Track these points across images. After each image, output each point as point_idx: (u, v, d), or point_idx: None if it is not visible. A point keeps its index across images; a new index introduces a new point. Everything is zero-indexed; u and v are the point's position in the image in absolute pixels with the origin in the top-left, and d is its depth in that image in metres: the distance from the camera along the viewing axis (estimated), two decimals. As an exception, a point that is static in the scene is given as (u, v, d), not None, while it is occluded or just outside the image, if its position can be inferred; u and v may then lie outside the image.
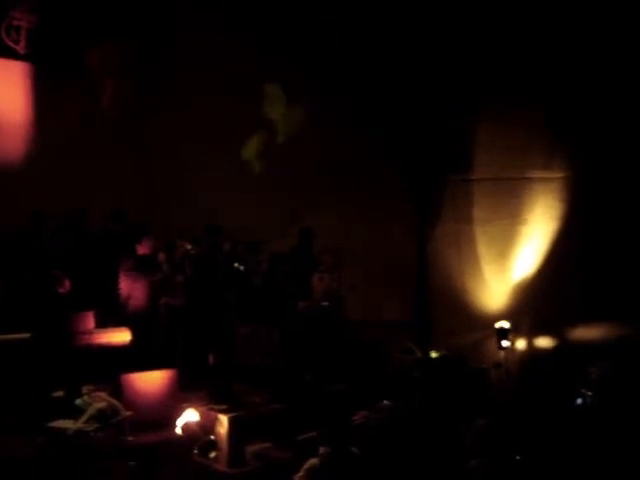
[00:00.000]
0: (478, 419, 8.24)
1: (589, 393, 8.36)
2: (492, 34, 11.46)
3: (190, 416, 7.94)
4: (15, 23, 12.41)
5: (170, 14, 13.45)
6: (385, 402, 8.42)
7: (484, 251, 11.78)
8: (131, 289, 9.64)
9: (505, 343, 11.08)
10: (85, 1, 12.84)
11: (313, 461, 6.60)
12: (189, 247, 10.92)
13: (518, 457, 7.38)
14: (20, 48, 12.46)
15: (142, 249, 9.79)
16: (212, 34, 13.08)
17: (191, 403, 8.22)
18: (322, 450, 6.64)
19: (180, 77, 13.52)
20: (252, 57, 13.06)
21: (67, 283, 9.38)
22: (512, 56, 11.34)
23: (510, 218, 11.57)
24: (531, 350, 11.37)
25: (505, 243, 11.62)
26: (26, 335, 8.76)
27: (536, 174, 11.52)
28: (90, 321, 9.21)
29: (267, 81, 13.33)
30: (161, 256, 10.41)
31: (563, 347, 11.06)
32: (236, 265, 10.62)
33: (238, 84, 13.26)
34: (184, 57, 13.39)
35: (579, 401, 8.45)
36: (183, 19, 13.32)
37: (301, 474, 6.61)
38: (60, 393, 8.28)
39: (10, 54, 12.46)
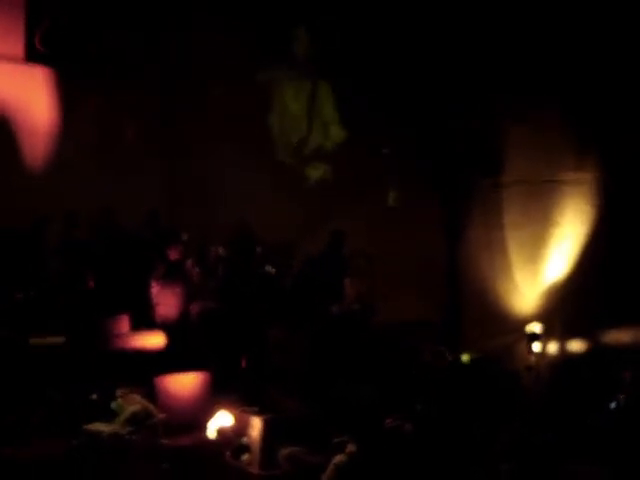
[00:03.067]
0: (509, 423, 8.27)
1: (623, 397, 8.32)
2: (524, 34, 11.42)
3: (223, 419, 8.01)
4: (43, 27, 12.55)
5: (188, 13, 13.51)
6: (417, 405, 8.44)
7: (515, 254, 11.72)
8: (161, 295, 9.72)
9: (536, 347, 11.04)
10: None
11: (341, 458, 6.65)
12: (221, 251, 11.01)
13: (548, 461, 7.39)
14: (46, 52, 12.59)
15: (172, 254, 9.87)
16: (237, 35, 13.19)
17: (224, 406, 8.29)
18: (350, 448, 6.68)
19: (208, 77, 13.60)
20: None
21: (91, 281, 9.49)
22: (543, 57, 11.29)
23: (541, 221, 11.51)
24: (562, 354, 11.32)
25: (536, 246, 11.56)
26: (61, 338, 8.87)
27: (567, 177, 11.46)
28: (125, 324, 9.31)
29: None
30: (189, 263, 10.44)
31: (595, 351, 11.00)
32: (268, 268, 10.67)
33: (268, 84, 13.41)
34: (210, 57, 13.45)
35: (613, 405, 8.42)
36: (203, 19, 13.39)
37: (329, 470, 6.66)
38: (95, 396, 8.35)
39: (37, 59, 12.61)
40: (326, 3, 12.94)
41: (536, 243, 11.54)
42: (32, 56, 12.49)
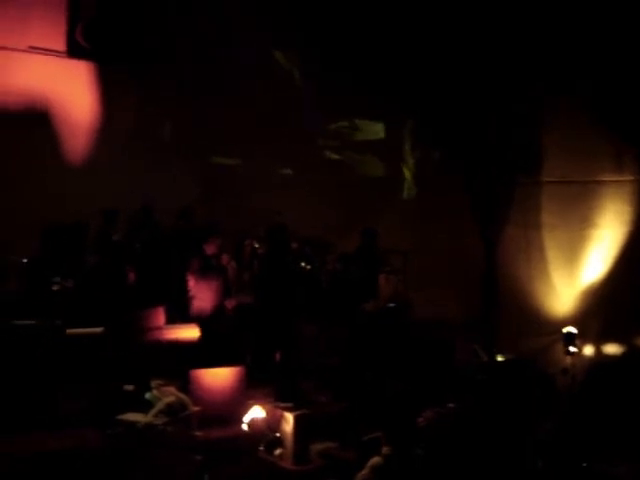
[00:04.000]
0: (544, 423, 8.20)
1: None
2: (562, 35, 11.35)
3: (257, 413, 8.04)
4: (85, 22, 12.66)
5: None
6: (450, 404, 8.40)
7: (553, 255, 11.65)
8: (197, 289, 9.77)
9: (572, 348, 10.95)
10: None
11: (377, 459, 6.63)
12: (257, 246, 11.05)
13: (584, 464, 7.33)
14: (88, 46, 12.69)
15: (209, 249, 9.91)
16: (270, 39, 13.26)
17: (258, 400, 8.32)
18: (385, 450, 6.66)
19: (236, 77, 13.64)
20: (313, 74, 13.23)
21: (132, 275, 9.57)
22: (582, 57, 11.22)
23: (579, 222, 11.45)
24: (599, 356, 11.23)
25: (574, 247, 11.49)
26: (99, 329, 8.96)
27: (606, 177, 11.39)
28: (161, 317, 9.36)
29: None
30: (225, 258, 10.48)
31: (632, 353, 10.90)
32: (303, 264, 10.69)
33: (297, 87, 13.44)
34: (241, 58, 13.50)
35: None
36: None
37: (365, 472, 6.64)
38: (130, 387, 8.41)
39: (79, 53, 12.71)
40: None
41: (574, 244, 11.46)
42: (74, 51, 12.60)
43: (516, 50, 11.76)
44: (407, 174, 13.29)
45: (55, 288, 9.48)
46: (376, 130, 14.18)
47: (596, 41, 11.07)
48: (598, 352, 11.23)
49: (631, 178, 11.14)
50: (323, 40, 13.30)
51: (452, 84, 12.38)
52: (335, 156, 14.29)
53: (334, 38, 13.20)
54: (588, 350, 11.27)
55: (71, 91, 12.68)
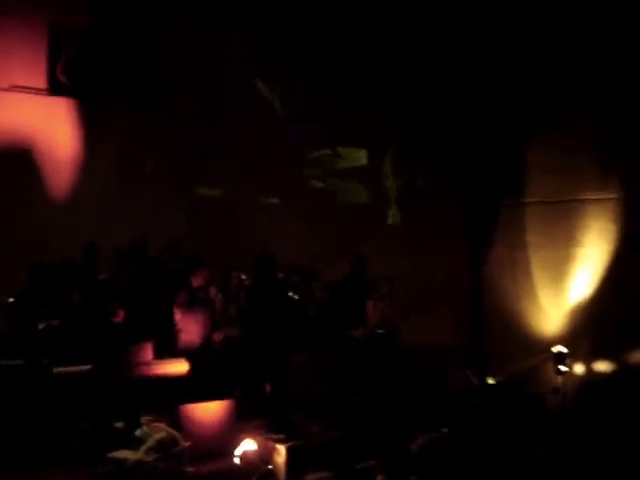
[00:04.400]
0: (537, 445, 8.19)
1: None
2: (543, 57, 11.45)
3: (248, 446, 7.99)
4: (65, 60, 12.70)
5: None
6: (443, 430, 8.38)
7: (539, 275, 11.68)
8: (184, 322, 9.74)
9: (563, 368, 10.96)
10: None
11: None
12: (243, 277, 11.03)
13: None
14: (69, 83, 12.71)
15: (196, 281, 9.89)
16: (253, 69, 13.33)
17: (249, 433, 8.27)
18: (380, 479, 6.65)
19: (218, 108, 13.67)
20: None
21: (122, 313, 9.53)
22: (563, 77, 11.31)
23: (564, 241, 11.48)
24: (589, 375, 11.22)
25: (560, 267, 11.51)
26: (87, 367, 8.90)
27: (590, 196, 11.42)
28: (148, 352, 9.30)
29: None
30: (212, 290, 10.45)
31: (622, 372, 10.89)
32: (290, 294, 10.67)
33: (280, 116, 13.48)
34: (224, 89, 13.54)
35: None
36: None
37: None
38: (120, 424, 8.35)
39: (60, 91, 12.73)
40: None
41: (560, 263, 11.49)
42: (54, 88, 12.63)
43: (498, 73, 11.85)
44: (391, 200, 13.33)
45: (41, 327, 9.43)
46: (359, 157, 14.24)
47: (579, 61, 11.16)
48: (588, 370, 11.22)
49: (615, 196, 11.18)
50: (305, 66, 13.37)
51: (433, 106, 12.46)
52: (319, 184, 14.33)
53: (316, 64, 13.28)
54: (578, 369, 11.25)
55: (53, 128, 12.69)
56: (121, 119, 13.01)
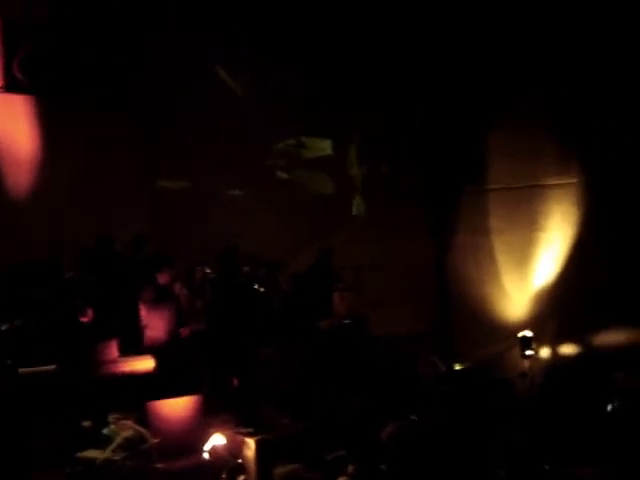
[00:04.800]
0: (507, 430, 8.24)
1: (617, 400, 8.32)
2: (501, 41, 11.49)
3: (217, 440, 7.97)
4: (24, 55, 12.51)
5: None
6: (412, 417, 8.41)
7: (503, 260, 11.77)
8: (149, 319, 9.69)
9: (529, 352, 11.05)
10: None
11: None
12: (208, 271, 10.97)
13: (547, 467, 7.37)
14: (26, 80, 12.53)
15: (162, 279, 9.85)
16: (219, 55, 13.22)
17: (217, 427, 8.24)
18: (351, 469, 6.65)
19: (182, 97, 13.57)
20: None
21: (90, 312, 9.46)
22: (521, 63, 11.37)
23: (527, 226, 11.57)
24: (555, 358, 11.33)
25: (523, 251, 11.60)
26: (52, 367, 8.82)
27: (550, 181, 11.53)
28: (114, 350, 9.24)
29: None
30: (177, 286, 10.38)
31: (587, 354, 11.01)
32: (256, 287, 10.63)
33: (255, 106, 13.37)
34: (186, 76, 13.43)
35: (609, 408, 8.41)
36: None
37: (332, 494, 6.63)
38: (87, 423, 8.29)
39: (16, 88, 12.56)
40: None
41: (523, 248, 11.58)
42: (11, 85, 12.44)
43: (458, 59, 11.87)
44: (356, 189, 13.31)
45: (4, 327, 9.32)
46: (323, 147, 14.18)
47: (536, 45, 11.22)
48: (554, 354, 11.33)
49: (575, 180, 11.28)
50: (269, 55, 13.29)
51: (396, 93, 12.44)
52: (284, 175, 14.27)
53: (280, 52, 13.20)
54: (544, 352, 11.35)
55: (9, 126, 12.51)
56: (81, 116, 12.87)
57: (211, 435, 8.04)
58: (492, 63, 11.63)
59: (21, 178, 12.48)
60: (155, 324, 9.61)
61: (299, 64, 13.10)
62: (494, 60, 11.60)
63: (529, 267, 11.62)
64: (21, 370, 8.72)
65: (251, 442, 7.90)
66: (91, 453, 7.81)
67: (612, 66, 10.76)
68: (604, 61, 10.80)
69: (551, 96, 11.27)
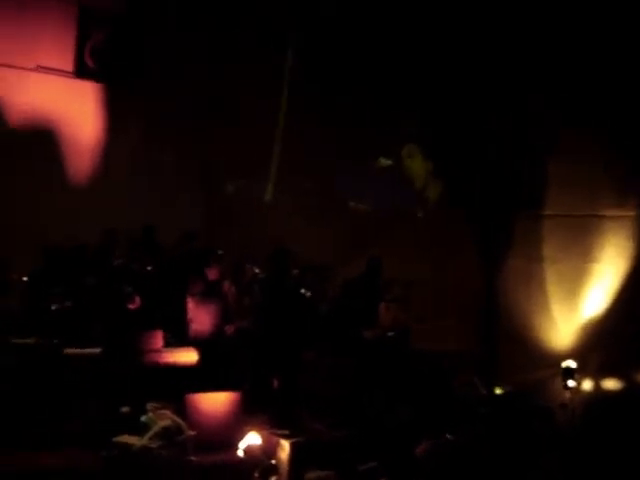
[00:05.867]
0: (545, 457, 8.14)
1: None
2: (564, 69, 11.40)
3: (252, 439, 7.97)
4: (93, 43, 12.75)
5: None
6: (448, 436, 8.34)
7: (553, 289, 11.61)
8: (196, 313, 9.76)
9: (571, 383, 10.89)
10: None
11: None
12: (257, 271, 11.03)
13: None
14: (95, 67, 12.76)
15: (211, 274, 9.92)
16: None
17: (254, 426, 8.25)
18: (381, 481, 6.63)
19: (246, 102, 13.69)
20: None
21: (137, 299, 9.57)
22: (585, 91, 11.24)
23: (581, 256, 11.41)
24: (598, 391, 11.16)
25: (575, 281, 11.45)
26: (97, 350, 8.94)
27: (608, 212, 11.37)
28: (159, 339, 9.34)
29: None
30: (226, 284, 10.44)
31: (631, 389, 10.85)
32: (303, 291, 10.66)
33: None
34: (253, 78, 13.55)
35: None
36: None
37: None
38: (126, 409, 8.36)
39: (87, 74, 12.78)
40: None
41: (575, 278, 11.43)
42: (81, 71, 12.67)
43: (519, 84, 11.79)
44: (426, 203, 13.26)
45: (54, 307, 9.47)
46: (384, 161, 14.18)
47: (600, 74, 11.11)
48: (597, 387, 11.17)
49: (633, 213, 11.14)
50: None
51: (456, 113, 12.41)
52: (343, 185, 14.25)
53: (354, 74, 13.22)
54: (587, 385, 11.20)
55: (77, 111, 12.73)
56: (145, 107, 13.07)
57: (247, 433, 8.05)
58: (557, 91, 11.52)
59: (81, 163, 12.72)
60: (201, 318, 9.68)
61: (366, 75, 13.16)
62: (558, 88, 11.49)
63: (579, 298, 11.47)
64: (67, 350, 8.87)
65: (286, 444, 7.87)
66: (127, 439, 7.86)
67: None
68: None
69: (616, 128, 11.14)
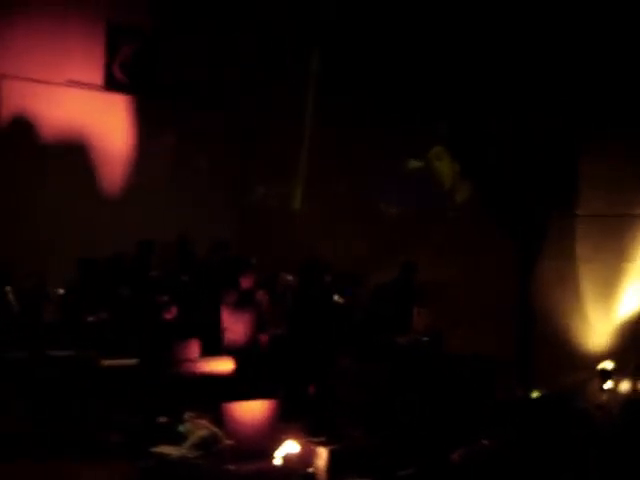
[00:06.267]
0: (579, 462, 8.06)
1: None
2: (599, 67, 11.31)
3: (290, 447, 7.99)
4: (123, 57, 12.89)
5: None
6: (484, 441, 8.30)
7: (588, 289, 11.53)
8: (231, 322, 9.81)
9: (608, 384, 10.79)
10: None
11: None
12: (290, 278, 11.06)
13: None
14: (125, 79, 12.90)
15: (245, 283, 9.97)
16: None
17: (291, 434, 8.26)
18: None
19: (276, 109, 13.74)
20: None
21: (174, 309, 9.63)
22: (620, 88, 11.15)
23: (616, 256, 11.31)
24: (635, 393, 11.05)
25: (610, 282, 11.35)
26: (134, 361, 9.01)
27: (642, 211, 11.29)
28: (195, 349, 9.40)
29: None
30: (260, 293, 10.48)
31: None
32: (336, 298, 10.68)
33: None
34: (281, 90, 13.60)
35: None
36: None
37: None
38: (164, 419, 8.42)
39: (116, 87, 12.92)
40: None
41: (610, 278, 11.33)
42: (111, 84, 12.81)
43: (554, 83, 11.71)
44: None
45: (90, 319, 9.57)
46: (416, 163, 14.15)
47: (636, 71, 11.03)
48: (635, 389, 11.06)
49: (667, 213, 11.06)
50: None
51: (488, 114, 12.36)
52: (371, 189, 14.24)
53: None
54: (624, 386, 11.09)
55: (108, 124, 12.86)
56: (177, 117, 13.18)
57: (284, 441, 8.07)
58: (589, 85, 11.43)
59: (112, 174, 12.85)
60: (236, 327, 9.73)
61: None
62: (591, 82, 11.40)
63: (614, 298, 11.37)
64: (104, 362, 8.95)
65: (323, 451, 7.88)
66: (165, 449, 7.92)
67: None
68: None
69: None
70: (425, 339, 10.42)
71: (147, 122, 13.15)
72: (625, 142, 11.13)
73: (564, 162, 11.78)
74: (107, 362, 9.01)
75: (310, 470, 7.90)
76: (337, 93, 13.60)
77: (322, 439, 8.18)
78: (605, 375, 10.84)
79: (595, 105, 11.35)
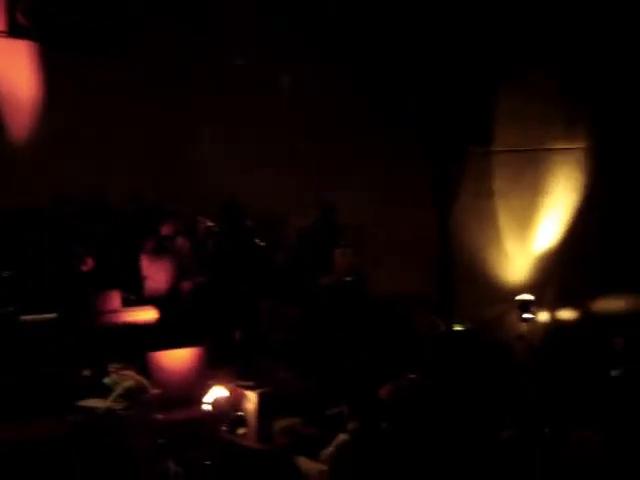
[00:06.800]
0: (504, 391, 8.27)
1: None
2: (513, 2, 11.36)
3: (219, 392, 7.97)
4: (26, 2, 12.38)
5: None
6: (411, 375, 8.42)
7: (505, 223, 11.72)
8: (151, 270, 9.68)
9: (528, 315, 11.04)
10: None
11: (343, 437, 6.63)
12: (210, 224, 10.94)
13: (546, 430, 7.41)
14: (28, 25, 12.41)
15: (165, 230, 9.84)
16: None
17: (219, 380, 8.25)
18: (351, 426, 6.66)
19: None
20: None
21: (90, 261, 9.43)
22: (531, 26, 11.22)
23: (531, 190, 11.51)
24: (554, 322, 11.35)
25: (526, 215, 11.56)
26: (53, 315, 8.81)
27: (557, 145, 11.44)
28: (116, 300, 9.25)
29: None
30: (180, 240, 10.35)
31: (586, 318, 11.04)
32: (257, 241, 10.62)
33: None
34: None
35: (614, 373, 8.45)
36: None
37: (331, 449, 6.64)
38: (88, 372, 8.30)
39: (19, 33, 12.42)
40: None
41: (527, 211, 11.54)
42: (13, 30, 12.30)
43: (468, 20, 11.71)
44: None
45: (6, 275, 9.31)
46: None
47: (547, 8, 11.08)
48: (553, 318, 11.35)
49: (582, 145, 11.21)
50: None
51: (402, 54, 12.29)
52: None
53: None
54: (543, 316, 11.37)
55: (11, 70, 12.38)
56: (80, 64, 12.73)
57: (212, 387, 8.05)
58: (504, 24, 11.47)
59: (21, 124, 12.40)
60: (156, 275, 9.61)
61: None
62: (505, 21, 11.44)
63: (531, 231, 11.59)
64: (22, 317, 8.73)
65: (252, 395, 7.89)
66: (92, 402, 7.82)
67: (623, 29, 10.65)
68: (617, 29, 10.68)
69: (563, 62, 11.15)
70: (348, 279, 10.46)
71: (52, 69, 12.66)
72: (540, 78, 11.24)
73: (481, 98, 11.84)
74: (27, 317, 8.78)
75: (240, 414, 7.92)
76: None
77: (251, 383, 8.18)
78: (525, 306, 11.08)
79: (512, 40, 11.40)
